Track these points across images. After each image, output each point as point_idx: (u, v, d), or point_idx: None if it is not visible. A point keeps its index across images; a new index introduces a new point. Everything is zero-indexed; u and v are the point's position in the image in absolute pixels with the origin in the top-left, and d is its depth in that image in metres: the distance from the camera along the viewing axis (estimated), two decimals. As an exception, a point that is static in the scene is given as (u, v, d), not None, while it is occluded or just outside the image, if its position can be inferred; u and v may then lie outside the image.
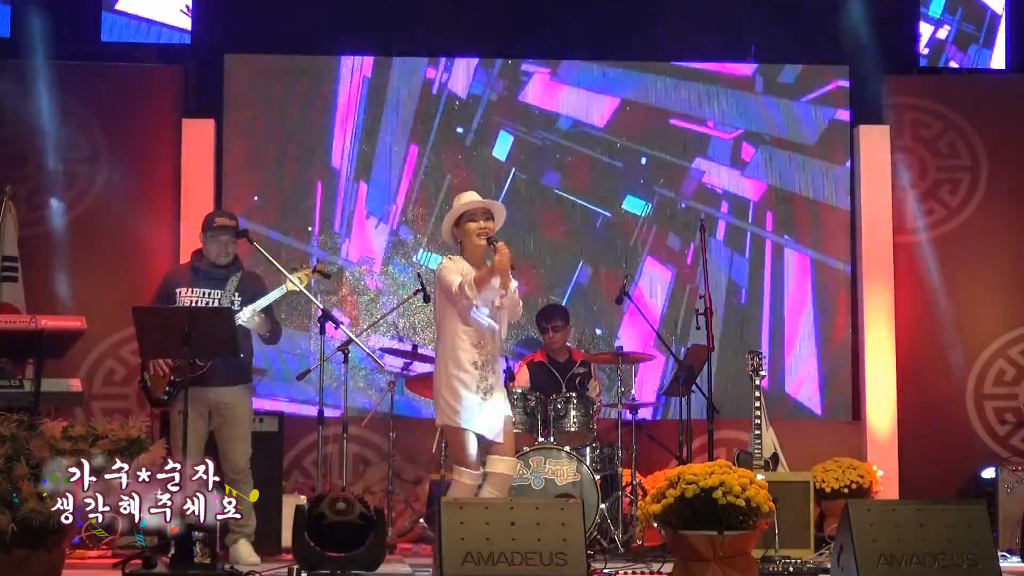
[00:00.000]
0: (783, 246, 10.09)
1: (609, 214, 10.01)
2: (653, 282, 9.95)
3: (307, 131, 9.93)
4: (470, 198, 6.62)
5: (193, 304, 7.34)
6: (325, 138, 9.92)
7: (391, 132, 9.95)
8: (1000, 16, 10.25)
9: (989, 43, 10.22)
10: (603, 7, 9.89)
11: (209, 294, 7.42)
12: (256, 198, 9.83)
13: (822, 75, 10.16)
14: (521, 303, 6.69)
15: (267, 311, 7.48)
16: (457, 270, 6.46)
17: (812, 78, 10.15)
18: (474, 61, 10.03)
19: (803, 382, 9.98)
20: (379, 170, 9.93)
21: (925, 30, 10.22)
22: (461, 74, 10.03)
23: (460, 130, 10.01)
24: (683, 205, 10.03)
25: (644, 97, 10.11)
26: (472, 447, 6.47)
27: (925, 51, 10.23)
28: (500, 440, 6.52)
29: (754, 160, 10.13)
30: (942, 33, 10.23)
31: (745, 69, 10.14)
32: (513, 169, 9.98)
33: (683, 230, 10.00)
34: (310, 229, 9.85)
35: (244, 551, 7.30)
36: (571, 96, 10.07)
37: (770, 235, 10.10)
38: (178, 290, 7.44)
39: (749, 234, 10.07)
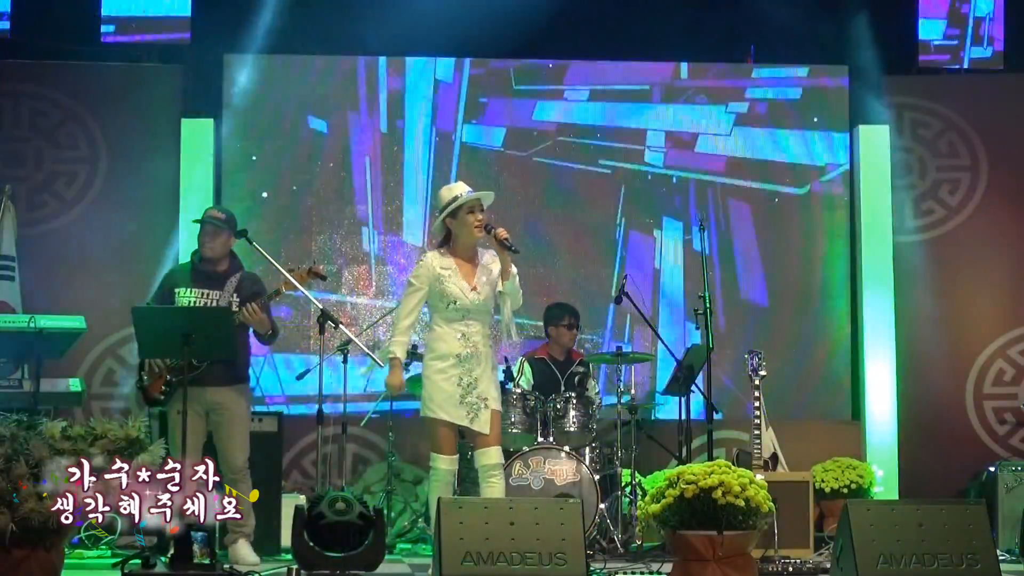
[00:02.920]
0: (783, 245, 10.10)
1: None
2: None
3: (306, 131, 9.92)
4: (462, 190, 6.64)
5: (192, 304, 7.34)
6: (324, 138, 9.92)
7: (391, 131, 9.95)
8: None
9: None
10: (603, 7, 9.88)
11: (208, 294, 7.39)
12: (255, 198, 9.83)
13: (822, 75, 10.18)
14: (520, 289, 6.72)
15: (266, 310, 7.46)
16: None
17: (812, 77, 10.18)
18: (469, 60, 10.05)
19: (803, 382, 9.97)
20: (378, 170, 9.92)
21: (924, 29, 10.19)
22: (457, 74, 10.07)
23: (458, 130, 10.02)
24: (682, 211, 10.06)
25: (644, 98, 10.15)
26: (445, 436, 6.51)
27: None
28: (485, 431, 6.55)
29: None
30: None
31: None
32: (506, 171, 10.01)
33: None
34: (310, 229, 9.86)
35: (243, 551, 7.29)
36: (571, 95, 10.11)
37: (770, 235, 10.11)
38: (177, 290, 7.42)
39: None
